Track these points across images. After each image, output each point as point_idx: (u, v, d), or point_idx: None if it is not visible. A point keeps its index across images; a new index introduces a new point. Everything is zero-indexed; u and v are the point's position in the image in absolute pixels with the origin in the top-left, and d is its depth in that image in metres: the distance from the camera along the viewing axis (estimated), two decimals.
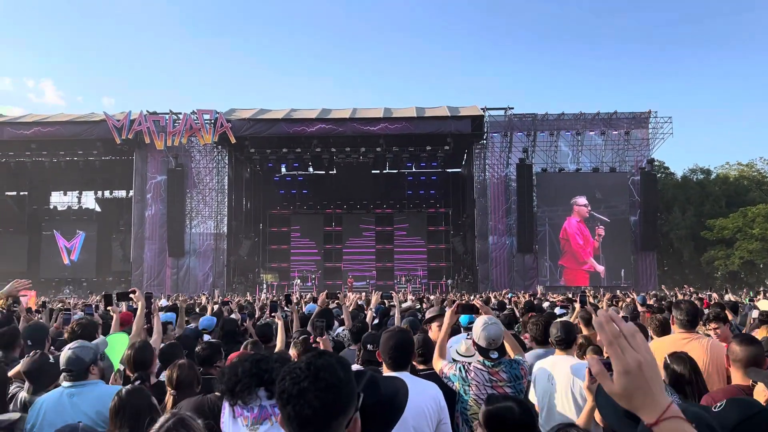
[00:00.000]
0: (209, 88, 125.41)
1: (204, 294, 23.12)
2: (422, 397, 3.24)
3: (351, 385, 1.65)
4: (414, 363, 4.51)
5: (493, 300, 13.19)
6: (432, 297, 13.05)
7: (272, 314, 7.39)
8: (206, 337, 6.82)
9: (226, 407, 2.16)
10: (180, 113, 36.42)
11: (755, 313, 7.10)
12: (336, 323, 7.70)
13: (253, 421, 2.07)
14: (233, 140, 35.39)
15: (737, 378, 3.28)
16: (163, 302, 14.11)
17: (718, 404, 2.83)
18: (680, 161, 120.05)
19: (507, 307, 10.85)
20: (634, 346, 1.17)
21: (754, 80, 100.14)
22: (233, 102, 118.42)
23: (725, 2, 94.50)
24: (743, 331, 6.40)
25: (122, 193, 45.63)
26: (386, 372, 3.46)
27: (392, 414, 1.88)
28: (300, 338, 4.80)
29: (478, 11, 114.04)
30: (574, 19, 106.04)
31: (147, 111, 36.38)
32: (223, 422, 2.18)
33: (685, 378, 3.58)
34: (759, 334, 5.70)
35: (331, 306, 8.63)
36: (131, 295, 5.78)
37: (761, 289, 28.73)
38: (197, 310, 11.16)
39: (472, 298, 15.12)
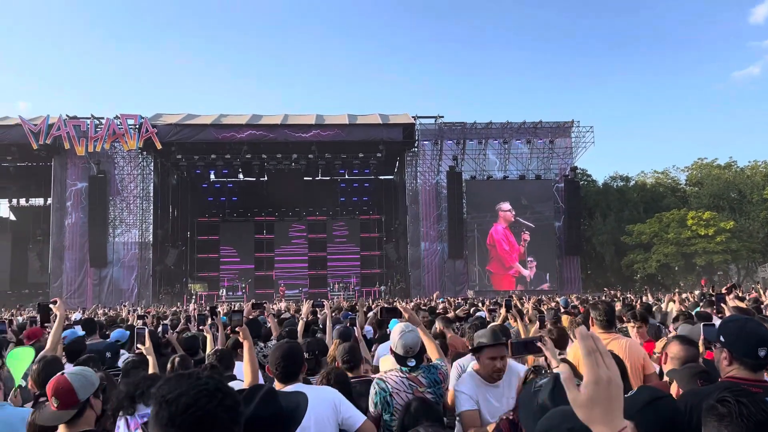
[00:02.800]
0: (134, 93, 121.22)
1: (124, 305, 22.10)
2: (320, 406, 3.27)
3: None
4: (345, 372, 4.48)
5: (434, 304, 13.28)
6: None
7: (200, 327, 7.16)
8: (122, 351, 6.51)
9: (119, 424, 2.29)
10: (102, 118, 35.01)
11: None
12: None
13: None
14: (159, 146, 34.29)
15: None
16: (77, 315, 13.26)
17: (631, 391, 3.00)
18: (601, 169, 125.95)
19: (437, 311, 10.96)
20: (608, 365, 1.22)
21: (669, 94, 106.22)
22: (159, 107, 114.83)
23: (643, 25, 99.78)
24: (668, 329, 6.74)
25: (39, 201, 43.34)
26: (277, 385, 3.45)
27: (288, 426, 1.90)
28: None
29: (409, 21, 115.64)
30: (502, 31, 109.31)
31: (66, 115, 34.75)
32: None
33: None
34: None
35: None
36: (51, 306, 5.45)
37: (676, 290, 30.35)
38: (118, 321, 10.68)
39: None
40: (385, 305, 4.74)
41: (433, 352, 4.12)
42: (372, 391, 3.68)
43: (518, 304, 12.51)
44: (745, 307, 6.42)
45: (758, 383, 2.64)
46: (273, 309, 11.40)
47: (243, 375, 4.43)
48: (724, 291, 6.86)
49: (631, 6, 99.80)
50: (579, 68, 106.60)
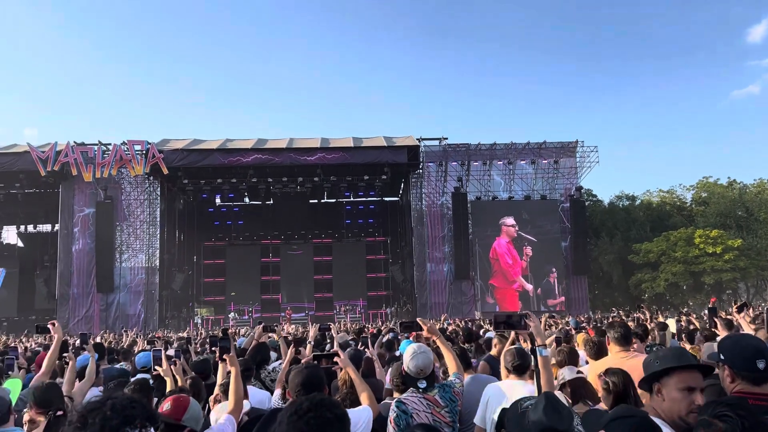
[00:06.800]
0: (141, 119, 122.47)
1: (126, 330, 21.92)
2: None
3: None
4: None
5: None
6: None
7: (213, 348, 7.12)
8: (142, 377, 6.45)
9: None
10: (109, 144, 35.34)
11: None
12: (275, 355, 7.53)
13: None
14: (165, 171, 34.52)
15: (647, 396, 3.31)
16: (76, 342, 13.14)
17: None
18: (606, 188, 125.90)
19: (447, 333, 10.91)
20: None
21: (671, 113, 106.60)
22: (166, 132, 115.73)
23: (643, 45, 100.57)
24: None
25: (47, 228, 43.56)
26: None
27: None
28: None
29: (412, 44, 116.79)
30: (505, 52, 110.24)
31: (74, 142, 35.10)
32: None
33: (620, 391, 3.63)
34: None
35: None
36: (50, 327, 5.34)
37: (685, 309, 30.10)
38: (125, 347, 10.65)
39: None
40: (403, 321, 4.76)
41: (451, 364, 4.10)
42: (392, 414, 3.63)
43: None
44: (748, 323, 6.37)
45: (763, 396, 2.62)
46: (283, 332, 11.34)
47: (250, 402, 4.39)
48: (734, 309, 6.81)
49: (631, 27, 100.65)
50: (582, 88, 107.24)
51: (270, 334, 8.34)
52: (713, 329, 6.71)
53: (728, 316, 8.05)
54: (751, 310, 15.03)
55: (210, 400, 4.72)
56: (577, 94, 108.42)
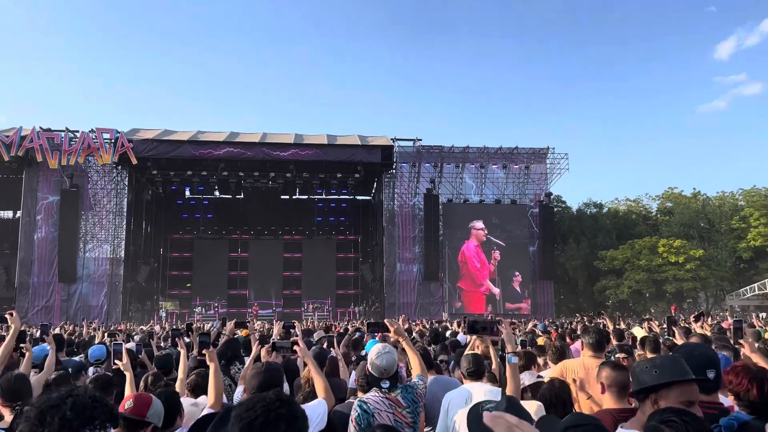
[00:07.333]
0: (111, 108, 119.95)
1: (89, 322, 21.40)
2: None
3: None
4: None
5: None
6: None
7: (175, 339, 7.05)
8: (93, 370, 6.34)
9: None
10: (77, 131, 34.54)
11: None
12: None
13: None
14: (134, 161, 33.90)
15: (610, 402, 3.35)
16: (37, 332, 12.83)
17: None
18: (575, 195, 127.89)
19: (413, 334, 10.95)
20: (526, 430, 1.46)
21: (640, 124, 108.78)
22: (136, 122, 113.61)
23: (615, 55, 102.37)
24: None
25: (8, 214, 42.44)
26: None
27: None
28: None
29: (388, 44, 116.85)
30: (480, 57, 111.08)
31: (40, 128, 34.20)
32: None
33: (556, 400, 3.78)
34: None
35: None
36: (7, 317, 5.21)
37: (647, 316, 30.76)
38: (86, 339, 10.45)
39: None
40: (371, 321, 4.83)
41: (415, 365, 4.14)
42: (354, 413, 3.65)
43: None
44: (708, 334, 6.57)
45: (713, 405, 2.71)
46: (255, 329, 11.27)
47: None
48: (692, 319, 7.00)
49: (604, 37, 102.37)
50: (554, 96, 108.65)
51: (236, 331, 8.30)
52: (672, 338, 6.88)
53: (686, 325, 8.29)
54: (709, 319, 15.44)
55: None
56: (548, 100, 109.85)
